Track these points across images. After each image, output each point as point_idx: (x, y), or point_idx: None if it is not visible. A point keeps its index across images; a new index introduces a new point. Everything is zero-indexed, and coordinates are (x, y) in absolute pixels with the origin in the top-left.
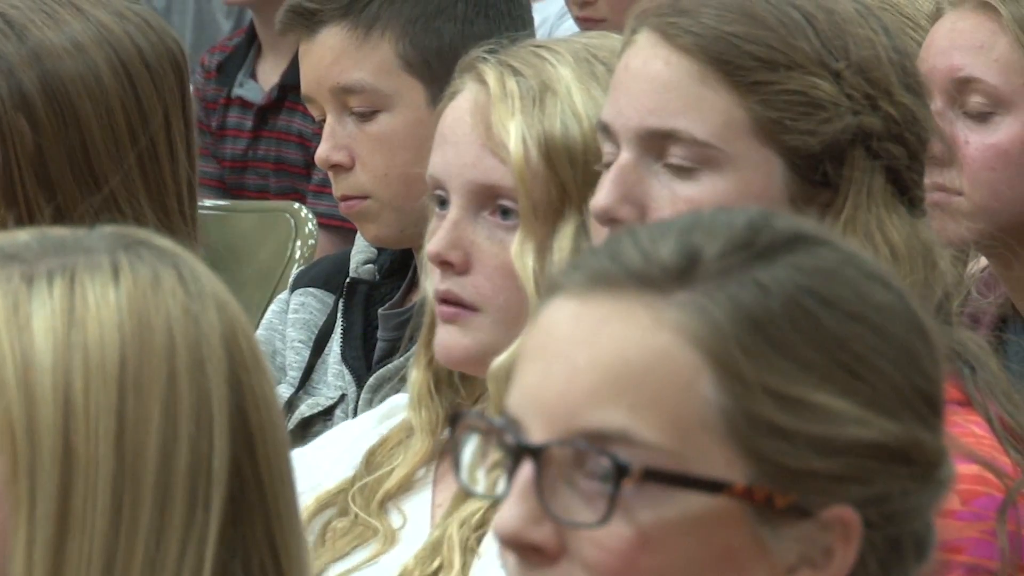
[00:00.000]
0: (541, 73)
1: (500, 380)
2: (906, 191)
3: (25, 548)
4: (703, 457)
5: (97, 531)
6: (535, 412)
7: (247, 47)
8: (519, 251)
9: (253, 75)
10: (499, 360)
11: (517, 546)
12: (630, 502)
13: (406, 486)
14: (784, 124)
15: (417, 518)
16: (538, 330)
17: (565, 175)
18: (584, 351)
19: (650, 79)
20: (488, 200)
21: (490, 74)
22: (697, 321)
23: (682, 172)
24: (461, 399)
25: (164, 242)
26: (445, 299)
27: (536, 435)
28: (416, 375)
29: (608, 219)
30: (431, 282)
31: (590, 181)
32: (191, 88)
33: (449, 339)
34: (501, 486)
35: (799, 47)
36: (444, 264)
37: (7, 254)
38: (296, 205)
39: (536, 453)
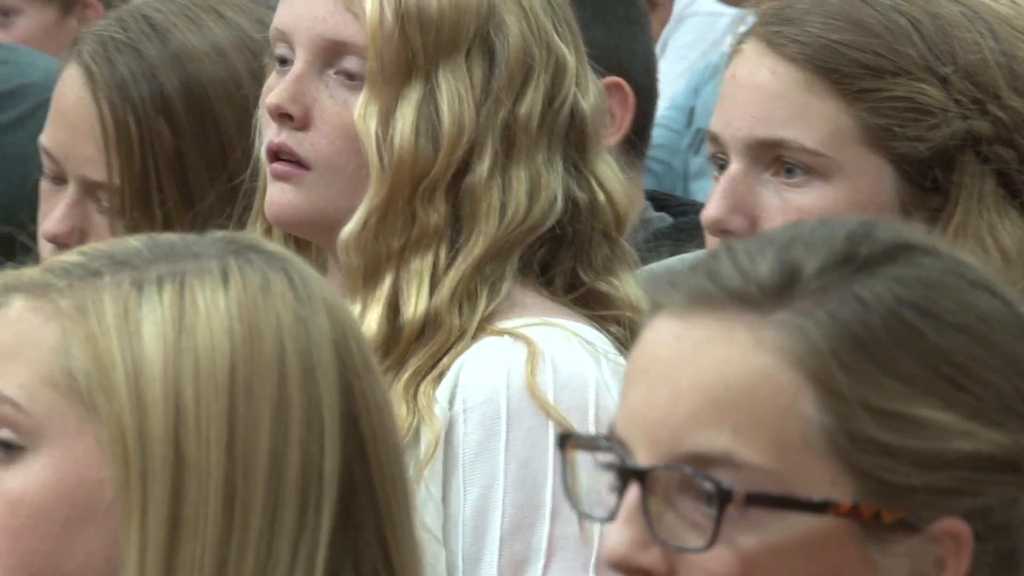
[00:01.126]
0: None
1: (350, 249)
2: (1017, 194)
3: (137, 554)
4: (808, 477)
5: (208, 536)
6: (640, 435)
7: None
8: (363, 113)
9: None
10: (348, 228)
11: (627, 570)
12: (735, 526)
13: None
14: (892, 131)
15: None
16: (641, 351)
17: (416, 41)
18: (686, 373)
19: (757, 89)
20: (335, 57)
21: None
22: (797, 340)
23: (792, 181)
24: None
25: (274, 247)
26: (278, 154)
27: (642, 458)
28: None
29: (719, 230)
30: (266, 137)
31: (441, 50)
32: None
33: (281, 197)
34: (609, 507)
35: (906, 53)
36: (283, 116)
37: (117, 260)
38: None
39: (642, 476)
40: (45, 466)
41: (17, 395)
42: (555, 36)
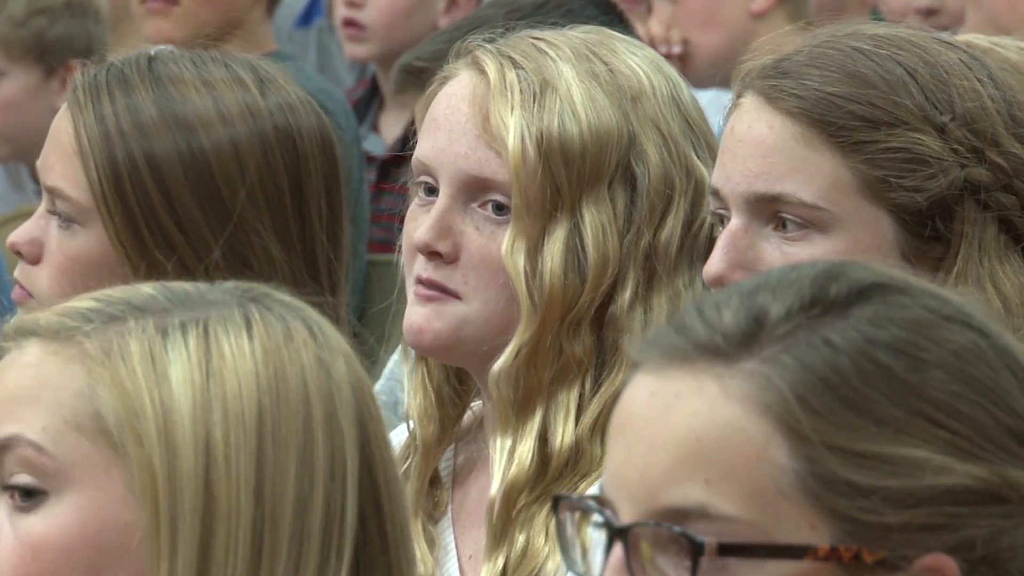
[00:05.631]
0: (542, 68)
1: (502, 383)
2: (1020, 240)
3: None
4: (786, 524)
5: None
6: (621, 493)
7: (369, 100)
8: (510, 249)
9: (375, 128)
10: (500, 362)
11: None
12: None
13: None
14: (890, 182)
15: (449, 569)
16: (620, 410)
17: (560, 176)
18: (659, 429)
19: (755, 143)
20: (479, 192)
21: (490, 64)
22: (763, 388)
23: (792, 235)
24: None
25: (286, 296)
26: (426, 284)
27: (624, 515)
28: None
29: (721, 285)
30: (413, 267)
31: (584, 183)
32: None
33: (421, 320)
34: (599, 565)
35: (902, 104)
36: (432, 254)
37: (136, 306)
38: None
39: (622, 534)
40: (69, 509)
41: (40, 438)
42: (694, 158)
